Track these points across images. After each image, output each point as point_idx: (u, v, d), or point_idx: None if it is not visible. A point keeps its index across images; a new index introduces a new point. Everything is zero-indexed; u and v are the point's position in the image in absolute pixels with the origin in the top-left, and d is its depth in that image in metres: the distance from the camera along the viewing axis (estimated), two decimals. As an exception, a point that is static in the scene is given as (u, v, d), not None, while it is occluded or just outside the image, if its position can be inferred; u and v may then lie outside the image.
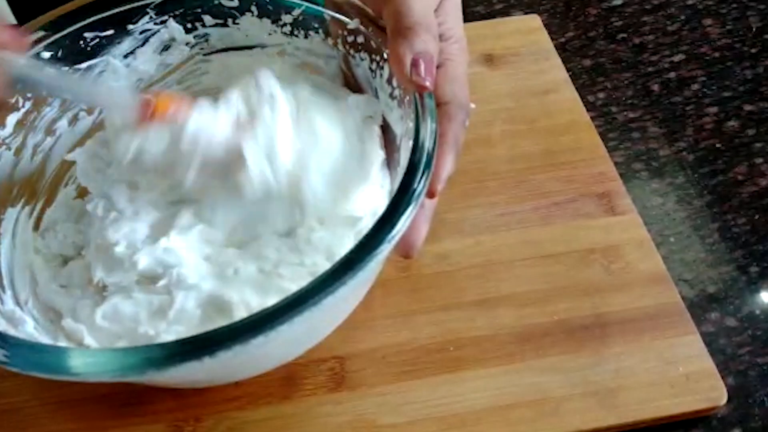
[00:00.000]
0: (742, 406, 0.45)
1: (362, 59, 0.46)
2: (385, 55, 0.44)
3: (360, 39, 0.45)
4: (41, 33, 0.45)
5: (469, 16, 0.67)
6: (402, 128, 0.43)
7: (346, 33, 0.46)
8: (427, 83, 0.39)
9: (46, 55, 0.45)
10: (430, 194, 0.38)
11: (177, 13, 0.48)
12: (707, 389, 0.44)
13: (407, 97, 0.41)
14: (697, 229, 0.52)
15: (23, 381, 0.42)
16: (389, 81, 0.44)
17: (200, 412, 0.43)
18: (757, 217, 0.53)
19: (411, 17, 0.40)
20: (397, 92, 0.43)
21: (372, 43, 0.44)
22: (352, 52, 0.46)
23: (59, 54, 0.46)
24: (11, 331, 0.37)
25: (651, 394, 0.43)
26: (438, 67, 0.41)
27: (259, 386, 0.44)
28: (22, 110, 0.45)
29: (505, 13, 0.68)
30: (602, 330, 0.46)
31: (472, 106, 0.42)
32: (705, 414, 0.44)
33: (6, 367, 0.33)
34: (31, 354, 0.33)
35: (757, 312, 0.48)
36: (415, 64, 0.39)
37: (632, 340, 0.45)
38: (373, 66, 0.45)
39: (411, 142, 0.38)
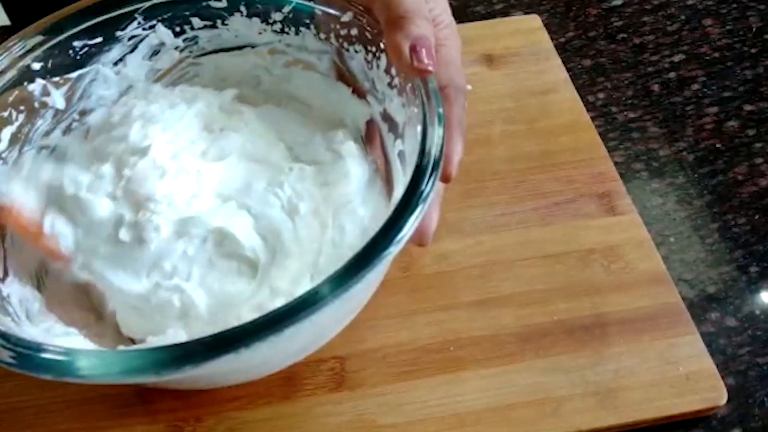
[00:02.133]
0: (742, 406, 0.45)
1: (357, 51, 0.46)
2: (381, 45, 0.43)
3: (354, 31, 0.45)
4: (31, 44, 0.45)
5: (469, 16, 0.67)
6: (404, 116, 0.43)
7: (338, 26, 0.46)
8: (430, 68, 0.39)
9: (37, 66, 0.45)
10: (445, 179, 0.39)
11: (165, 17, 0.48)
12: (707, 389, 0.44)
13: (408, 85, 0.41)
14: (697, 229, 0.52)
15: (24, 381, 0.42)
16: (387, 71, 0.44)
17: (200, 412, 0.43)
18: (757, 217, 0.53)
19: (402, 5, 0.40)
20: (396, 81, 0.43)
21: (367, 34, 0.44)
22: (345, 45, 0.46)
23: (49, 65, 0.45)
24: (18, 332, 0.37)
25: (651, 394, 0.43)
26: None
27: (259, 386, 0.44)
28: (16, 123, 0.45)
29: (505, 13, 0.68)
30: (602, 330, 0.46)
31: (469, 87, 0.43)
32: (705, 414, 0.44)
33: (12, 369, 0.33)
34: (38, 356, 0.33)
35: (757, 312, 0.48)
36: (414, 50, 0.39)
37: (632, 340, 0.45)
38: (369, 57, 0.45)
39: (419, 136, 0.39)
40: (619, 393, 0.43)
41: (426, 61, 0.39)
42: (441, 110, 0.39)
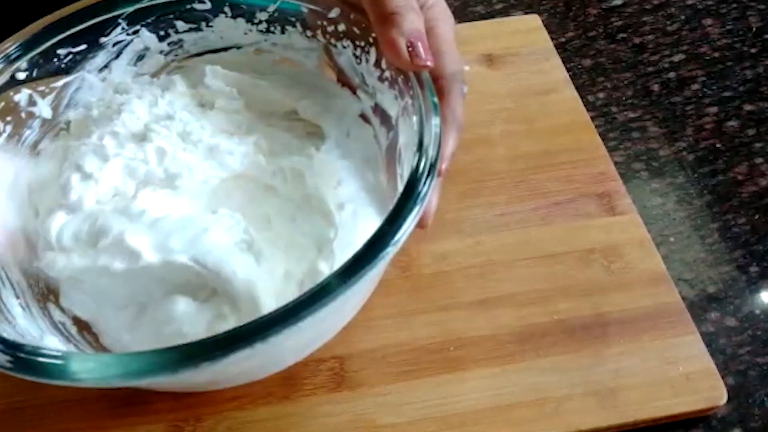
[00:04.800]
0: (742, 406, 0.45)
1: (345, 47, 0.46)
2: (370, 39, 0.44)
3: (341, 27, 0.45)
4: (14, 54, 0.44)
5: (469, 16, 0.67)
6: (397, 108, 0.43)
7: (325, 23, 0.46)
8: (429, 62, 0.40)
9: (21, 76, 0.45)
10: (437, 173, 0.38)
11: (149, 21, 0.48)
12: (707, 389, 0.44)
13: (400, 77, 0.42)
14: (697, 229, 0.52)
15: (24, 381, 0.42)
16: (377, 64, 0.44)
17: (200, 412, 0.43)
18: (757, 217, 0.53)
19: (392, 1, 0.40)
20: (387, 74, 0.43)
21: (354, 29, 0.44)
22: (333, 41, 0.46)
23: (34, 74, 0.45)
24: (14, 336, 0.37)
25: (651, 394, 0.43)
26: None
27: (259, 386, 0.44)
28: (4, 135, 0.44)
29: (505, 13, 0.68)
30: (602, 330, 0.46)
31: (466, 68, 0.43)
32: (705, 414, 0.44)
33: (9, 372, 0.33)
34: (34, 360, 0.33)
35: (757, 312, 0.48)
36: (412, 47, 0.39)
37: (632, 340, 0.45)
38: (358, 52, 0.45)
39: (416, 136, 0.39)
40: (619, 393, 0.43)
41: (423, 56, 0.39)
42: (435, 99, 0.40)
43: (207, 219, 0.43)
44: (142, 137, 0.46)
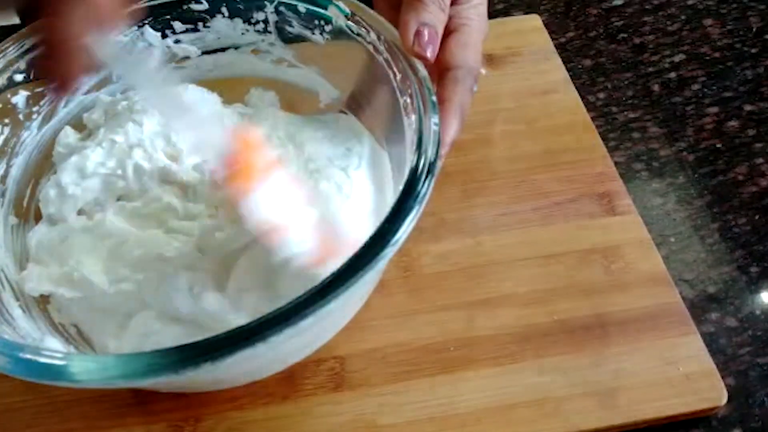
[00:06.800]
0: (742, 406, 0.44)
1: None
2: (367, 39, 0.44)
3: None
4: (12, 55, 0.44)
5: (469, 16, 0.67)
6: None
7: (322, 22, 0.46)
8: (428, 54, 0.41)
9: (19, 77, 0.45)
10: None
11: (146, 22, 0.48)
12: (707, 389, 0.44)
13: (398, 75, 0.42)
14: (697, 229, 0.52)
15: (23, 381, 0.42)
16: None
17: (200, 412, 0.43)
18: (757, 217, 0.53)
19: None
20: None
21: (351, 27, 0.45)
22: (330, 40, 0.46)
23: (31, 75, 0.45)
24: (14, 337, 0.37)
25: (651, 394, 0.43)
26: (453, 31, 0.43)
27: (259, 386, 0.44)
28: (1, 137, 0.45)
29: (505, 13, 0.68)
30: (602, 330, 0.46)
31: (483, 72, 0.44)
32: (705, 414, 0.44)
33: (8, 373, 0.33)
34: (34, 360, 0.33)
35: (757, 312, 0.48)
36: (418, 34, 0.41)
37: (632, 340, 0.45)
38: None
39: (415, 135, 0.39)
40: (619, 393, 0.43)
41: (424, 45, 0.41)
42: (434, 98, 0.40)
43: (160, 242, 0.43)
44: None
